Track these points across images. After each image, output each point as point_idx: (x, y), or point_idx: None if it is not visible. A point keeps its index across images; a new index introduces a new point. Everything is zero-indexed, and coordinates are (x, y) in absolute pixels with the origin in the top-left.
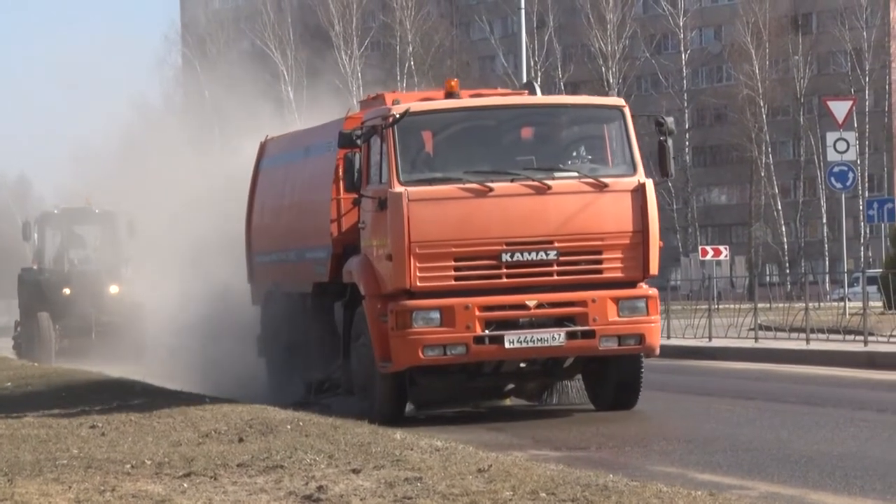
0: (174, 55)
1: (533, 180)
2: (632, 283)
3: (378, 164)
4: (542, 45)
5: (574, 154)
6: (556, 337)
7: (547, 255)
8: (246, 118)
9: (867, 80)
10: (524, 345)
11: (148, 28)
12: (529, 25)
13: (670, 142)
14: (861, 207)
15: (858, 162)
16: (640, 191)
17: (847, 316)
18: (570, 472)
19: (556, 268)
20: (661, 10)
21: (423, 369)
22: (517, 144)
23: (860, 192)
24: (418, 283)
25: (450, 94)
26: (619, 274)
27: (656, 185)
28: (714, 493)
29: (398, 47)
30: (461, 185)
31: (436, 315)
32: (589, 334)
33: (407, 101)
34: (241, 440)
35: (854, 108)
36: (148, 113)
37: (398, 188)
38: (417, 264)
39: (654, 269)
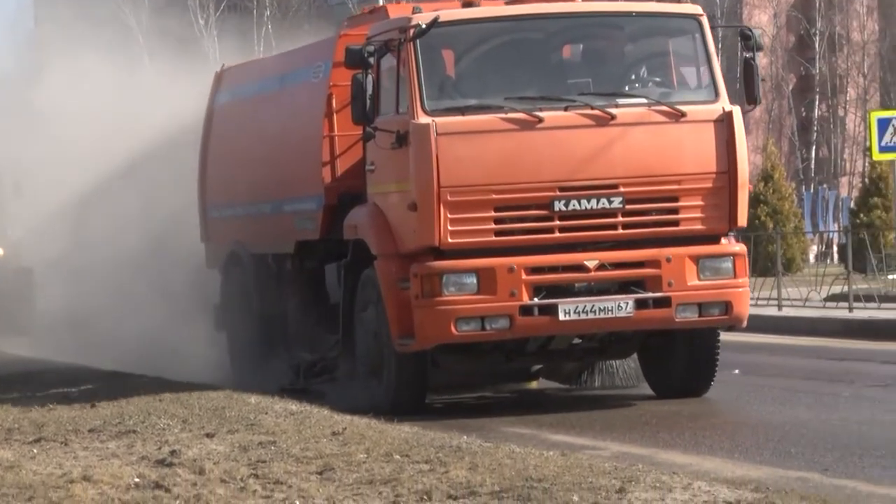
0: (27, 19)
1: (592, 108)
2: (714, 238)
3: (393, 91)
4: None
5: (640, 75)
6: (622, 306)
7: (610, 202)
8: (100, 82)
9: (720, 46)
10: (583, 316)
11: None
12: None
13: (759, 59)
14: None
15: None
16: (725, 121)
17: None
18: (424, 434)
19: (621, 219)
20: None
21: (451, 347)
22: (570, 64)
23: None
24: (450, 239)
25: (468, 5)
26: (699, 226)
27: (743, 113)
28: (566, 453)
29: (255, 11)
30: (503, 115)
31: (472, 279)
32: (663, 302)
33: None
34: (93, 405)
35: None
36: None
37: (423, 118)
38: (449, 215)
39: (742, 219)
